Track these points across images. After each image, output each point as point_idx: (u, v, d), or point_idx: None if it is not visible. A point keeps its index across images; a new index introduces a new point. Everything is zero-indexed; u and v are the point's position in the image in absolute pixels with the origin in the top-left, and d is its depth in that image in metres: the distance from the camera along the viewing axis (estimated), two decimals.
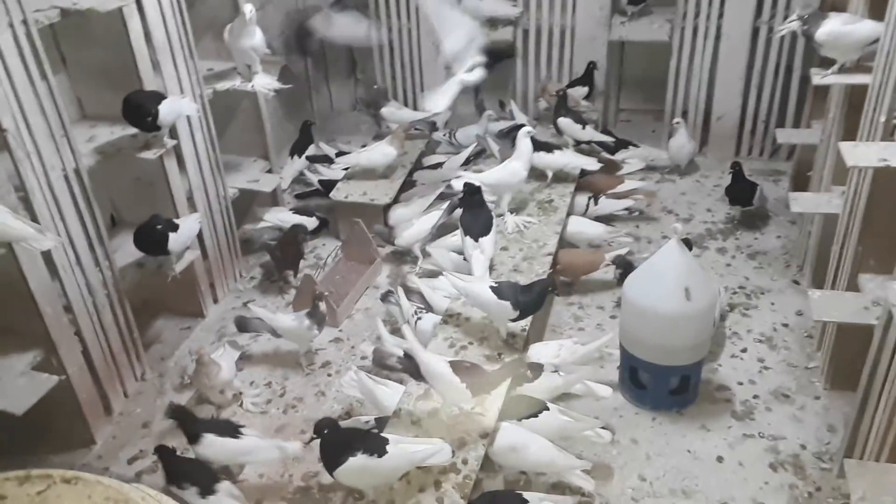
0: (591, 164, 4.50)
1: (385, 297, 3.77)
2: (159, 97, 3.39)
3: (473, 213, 3.61)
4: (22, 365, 2.95)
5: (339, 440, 2.51)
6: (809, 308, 3.04)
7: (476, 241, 3.53)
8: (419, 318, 3.48)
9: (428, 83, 5.65)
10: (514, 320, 3.14)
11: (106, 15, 3.19)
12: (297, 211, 4.61)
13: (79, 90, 3.71)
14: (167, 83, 3.62)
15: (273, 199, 4.65)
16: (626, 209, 4.56)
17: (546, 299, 3.19)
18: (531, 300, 3.09)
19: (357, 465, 2.45)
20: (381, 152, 4.64)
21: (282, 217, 4.51)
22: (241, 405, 3.43)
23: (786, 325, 3.75)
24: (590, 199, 4.48)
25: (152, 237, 3.47)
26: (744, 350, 3.61)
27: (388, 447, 2.51)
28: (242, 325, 3.62)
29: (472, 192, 3.61)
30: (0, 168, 2.77)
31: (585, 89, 5.23)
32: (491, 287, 3.11)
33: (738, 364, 3.53)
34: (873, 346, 2.66)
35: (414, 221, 4.24)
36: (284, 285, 4.25)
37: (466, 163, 4.91)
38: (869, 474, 2.27)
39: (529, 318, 3.29)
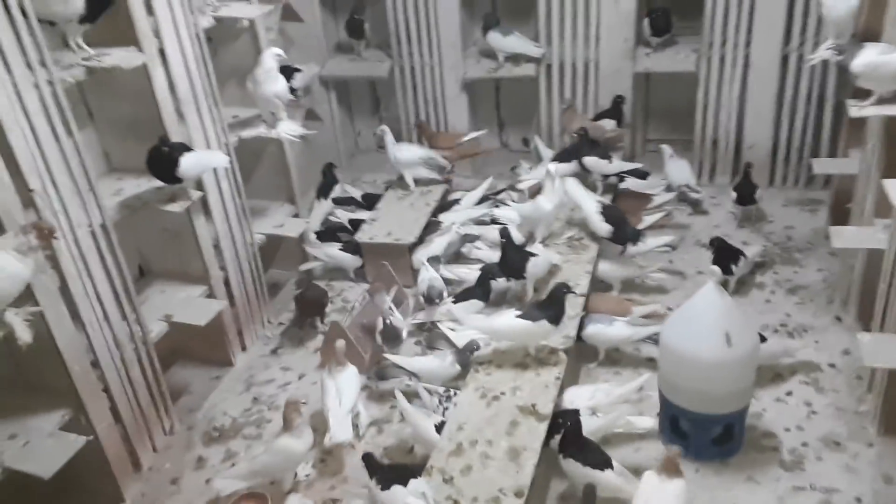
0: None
1: (381, 374, 3.65)
2: (182, 150, 3.37)
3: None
4: (50, 425, 2.91)
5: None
6: (859, 351, 2.90)
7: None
8: (446, 409, 3.29)
9: (451, 118, 5.63)
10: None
11: (131, 71, 3.21)
12: (344, 248, 4.59)
13: (106, 143, 3.72)
14: (192, 133, 3.62)
15: (300, 244, 4.62)
16: (667, 245, 4.36)
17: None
18: (557, 307, 3.21)
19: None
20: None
21: (329, 253, 4.56)
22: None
23: (832, 366, 3.58)
24: None
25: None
26: (789, 393, 3.45)
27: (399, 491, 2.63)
28: (381, 374, 3.71)
29: (507, 235, 3.90)
30: None
31: (613, 122, 5.15)
32: (517, 316, 3.22)
33: (784, 408, 3.37)
34: None
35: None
36: (311, 331, 4.20)
37: (482, 200, 4.87)
38: None
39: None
